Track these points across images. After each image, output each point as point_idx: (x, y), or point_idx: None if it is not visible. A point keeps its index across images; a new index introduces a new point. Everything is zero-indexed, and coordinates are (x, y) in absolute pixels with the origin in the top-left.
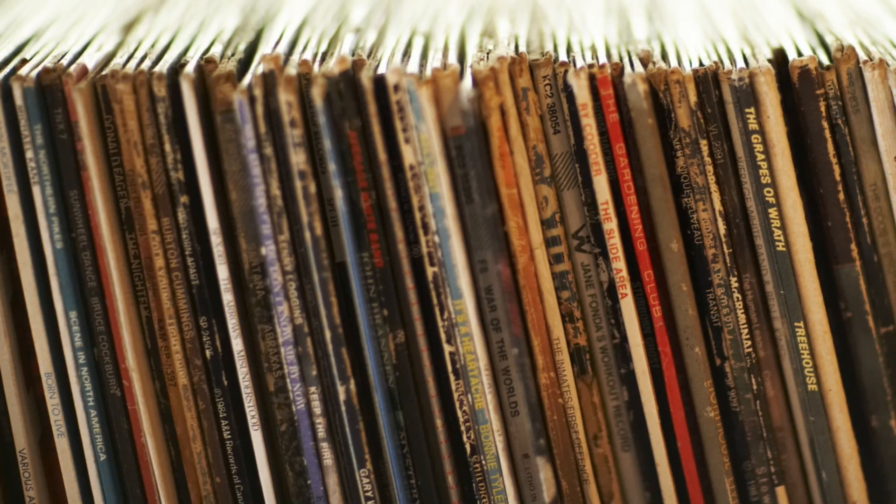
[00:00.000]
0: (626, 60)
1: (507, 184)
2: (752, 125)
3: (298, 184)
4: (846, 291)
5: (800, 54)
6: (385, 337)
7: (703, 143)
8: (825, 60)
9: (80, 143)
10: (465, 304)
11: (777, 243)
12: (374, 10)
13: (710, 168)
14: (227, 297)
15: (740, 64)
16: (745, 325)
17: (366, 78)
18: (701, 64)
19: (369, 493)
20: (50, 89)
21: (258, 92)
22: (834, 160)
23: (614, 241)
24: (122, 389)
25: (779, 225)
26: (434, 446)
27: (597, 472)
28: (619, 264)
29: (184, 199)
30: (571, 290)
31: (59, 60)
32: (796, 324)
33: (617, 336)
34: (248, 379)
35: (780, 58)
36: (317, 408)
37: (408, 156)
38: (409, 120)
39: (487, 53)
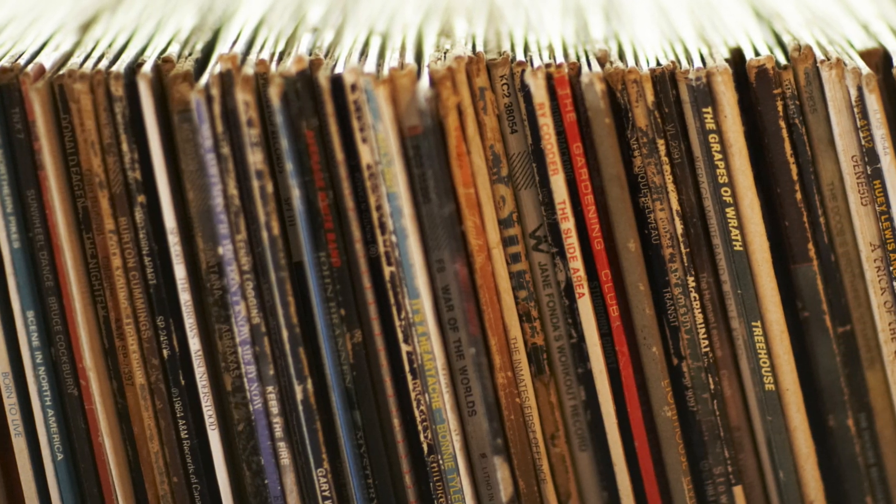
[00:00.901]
0: (583, 60)
1: (464, 183)
2: (710, 125)
3: (255, 183)
4: (803, 291)
5: (757, 54)
6: (342, 336)
7: (661, 143)
8: (782, 60)
9: (37, 143)
10: (423, 303)
11: (734, 243)
12: (332, 10)
13: (667, 168)
14: (185, 297)
15: (697, 63)
16: (703, 325)
17: (323, 77)
18: (658, 63)
19: (326, 493)
20: (7, 89)
21: (215, 91)
22: (791, 160)
23: (571, 241)
24: (80, 389)
25: (736, 224)
26: (391, 446)
27: (554, 471)
28: (577, 264)
29: (141, 198)
30: (529, 289)
31: (17, 60)
32: (753, 323)
33: (574, 336)
34: (206, 378)
35: (737, 57)
36: (274, 407)
37: (365, 155)
38: (366, 119)
39: (444, 53)
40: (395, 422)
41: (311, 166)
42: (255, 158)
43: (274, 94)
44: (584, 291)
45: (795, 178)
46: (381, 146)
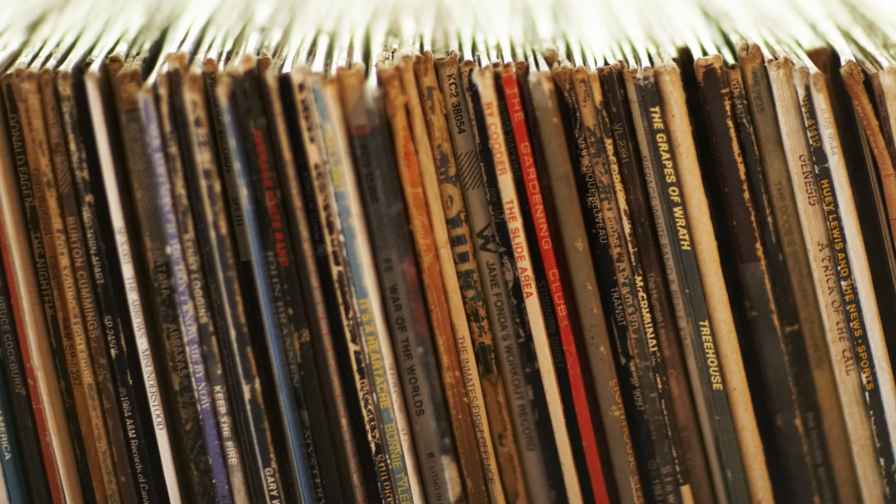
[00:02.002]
0: (531, 59)
1: (412, 183)
2: (657, 124)
3: (203, 183)
4: (751, 290)
5: (705, 53)
6: (290, 336)
7: (608, 143)
8: (730, 59)
9: None
10: (370, 303)
11: (682, 242)
12: (279, 9)
13: (615, 167)
14: (132, 297)
15: (645, 63)
16: (650, 324)
17: (271, 77)
18: (606, 63)
19: (274, 493)
20: None
21: (163, 91)
22: (739, 159)
23: (519, 240)
24: (27, 388)
25: (684, 224)
26: (339, 445)
27: (502, 471)
28: (524, 263)
29: (89, 198)
30: (476, 289)
31: None
32: (701, 323)
33: (522, 335)
34: (154, 378)
35: (685, 57)
36: (222, 407)
37: (313, 155)
38: (314, 119)
39: (392, 52)
40: (343, 421)
41: (258, 166)
42: (203, 158)
43: (222, 93)
44: (531, 291)
45: (743, 177)
46: (328, 146)
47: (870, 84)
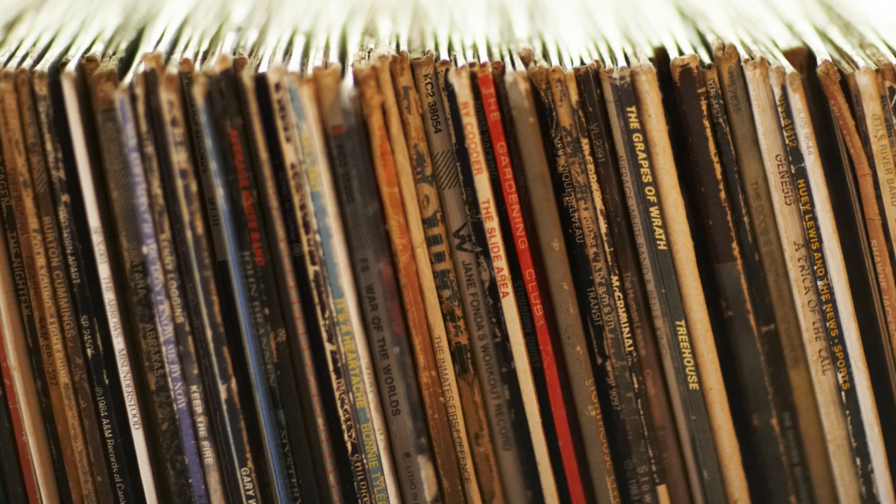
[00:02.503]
0: (507, 59)
1: (388, 182)
2: (634, 124)
3: (180, 182)
4: (727, 290)
5: (681, 53)
6: (266, 336)
7: (585, 142)
8: (706, 59)
9: None
10: (347, 302)
11: (658, 242)
12: (256, 9)
13: (591, 167)
14: (109, 296)
15: (622, 63)
16: (627, 324)
17: (247, 77)
18: (582, 63)
19: (251, 492)
20: None
21: (139, 91)
22: (715, 159)
23: (495, 240)
24: (3, 388)
25: (660, 224)
26: (315, 445)
27: (478, 470)
28: (501, 263)
29: (65, 197)
30: (453, 288)
31: None
32: (677, 322)
33: (498, 335)
34: (130, 378)
35: (661, 56)
36: (198, 406)
37: (289, 154)
38: (290, 119)
39: (369, 52)
40: (319, 421)
41: (235, 165)
42: (180, 158)
43: (198, 93)
44: (508, 291)
45: (719, 177)
46: (305, 145)
47: (846, 84)
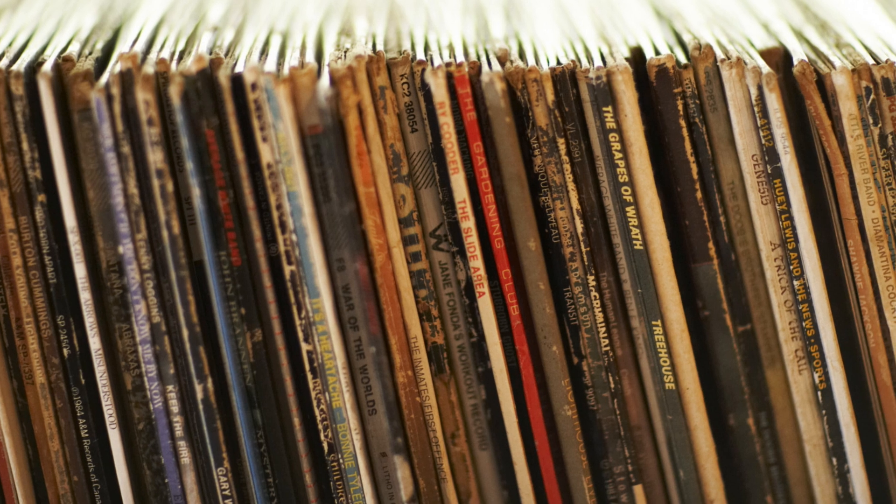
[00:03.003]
0: (483, 59)
1: (364, 182)
2: (610, 124)
3: (156, 182)
4: (704, 290)
5: (657, 53)
6: (243, 335)
7: (561, 142)
8: (683, 59)
9: None
10: (323, 302)
11: (634, 242)
12: (232, 9)
13: (567, 167)
14: (85, 296)
15: (598, 63)
16: (603, 324)
17: (223, 76)
18: (558, 62)
19: (227, 492)
20: None
21: (116, 90)
22: (691, 159)
23: (472, 240)
24: None
25: (636, 223)
26: (291, 445)
27: (454, 470)
28: (477, 263)
29: (41, 197)
30: (429, 288)
31: None
32: (654, 322)
33: (474, 334)
34: (106, 377)
35: (637, 56)
36: (174, 406)
37: (265, 154)
38: (266, 118)
39: (345, 52)
40: (296, 421)
41: (211, 165)
42: (156, 157)
43: (174, 93)
44: (484, 290)
45: (696, 177)
46: (281, 145)
47: (822, 83)
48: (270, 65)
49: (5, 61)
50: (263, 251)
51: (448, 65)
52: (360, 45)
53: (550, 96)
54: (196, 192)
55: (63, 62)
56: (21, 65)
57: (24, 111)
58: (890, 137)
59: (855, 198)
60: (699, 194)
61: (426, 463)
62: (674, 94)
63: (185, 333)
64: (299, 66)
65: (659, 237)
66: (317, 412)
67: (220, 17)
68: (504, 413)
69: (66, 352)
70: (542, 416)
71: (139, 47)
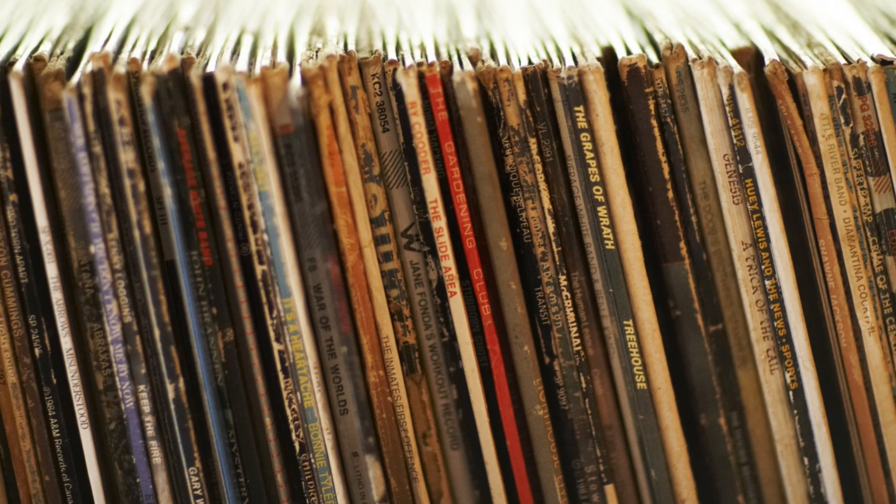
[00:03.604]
0: (455, 59)
1: (335, 182)
2: (581, 123)
3: (127, 182)
4: (675, 290)
5: (629, 52)
6: (214, 335)
7: (532, 142)
8: (654, 59)
9: None
10: (295, 302)
11: (606, 241)
12: (203, 9)
13: (539, 166)
14: (57, 296)
15: (569, 62)
16: (575, 324)
17: (195, 76)
18: (530, 62)
19: (198, 492)
20: None
21: (87, 90)
22: (663, 158)
23: (443, 240)
24: None
25: (608, 223)
26: (263, 444)
27: (426, 470)
28: (449, 262)
29: (13, 197)
30: (400, 288)
31: None
32: (625, 322)
33: (446, 334)
34: (78, 377)
35: (609, 56)
36: (146, 406)
37: (237, 154)
38: (237, 118)
39: (316, 52)
40: (267, 420)
41: (182, 165)
42: (127, 157)
43: (146, 92)
44: (455, 290)
45: (667, 176)
46: (252, 145)
47: (794, 83)
48: (242, 64)
49: None
50: (235, 251)
51: (420, 64)
52: (331, 45)
53: (522, 96)
54: (167, 192)
55: (34, 62)
56: None
57: None
58: (861, 137)
59: (826, 197)
60: (671, 194)
61: (398, 463)
62: (645, 94)
63: (157, 333)
64: (271, 65)
65: (630, 237)
66: (288, 412)
67: (191, 16)
68: (475, 413)
69: (37, 351)
70: (514, 415)
71: (111, 47)
